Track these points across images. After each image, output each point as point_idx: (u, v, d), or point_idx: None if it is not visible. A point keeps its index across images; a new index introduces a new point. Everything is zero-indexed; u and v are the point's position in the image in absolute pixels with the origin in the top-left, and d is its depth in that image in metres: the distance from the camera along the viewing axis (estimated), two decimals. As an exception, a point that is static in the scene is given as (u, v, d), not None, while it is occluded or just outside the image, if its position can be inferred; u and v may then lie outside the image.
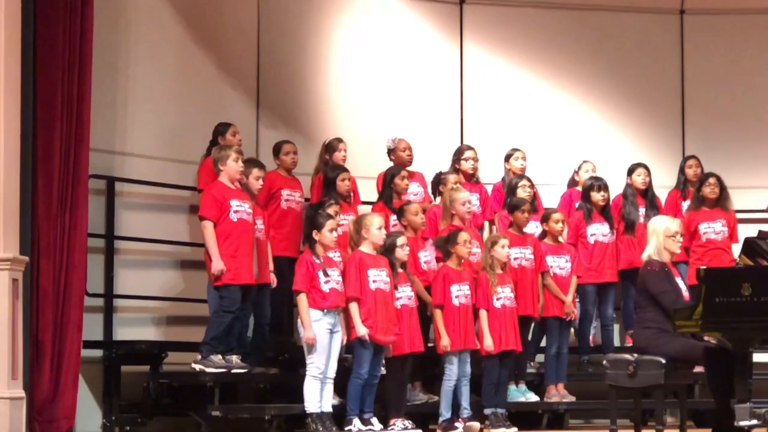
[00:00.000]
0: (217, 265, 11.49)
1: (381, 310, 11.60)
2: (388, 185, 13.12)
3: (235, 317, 11.71)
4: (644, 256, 11.45)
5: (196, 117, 12.98)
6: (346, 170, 12.91)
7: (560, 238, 13.46)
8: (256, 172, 12.05)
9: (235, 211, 11.64)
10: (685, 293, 11.27)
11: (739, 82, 15.34)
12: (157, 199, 12.79)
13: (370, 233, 11.65)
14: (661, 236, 11.31)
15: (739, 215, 14.13)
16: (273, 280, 12.26)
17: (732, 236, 13.80)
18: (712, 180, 13.93)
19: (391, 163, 13.51)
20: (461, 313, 12.23)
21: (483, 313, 12.38)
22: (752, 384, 10.97)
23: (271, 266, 12.26)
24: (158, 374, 11.93)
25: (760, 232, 12.43)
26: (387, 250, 11.84)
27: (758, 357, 11.32)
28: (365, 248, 11.67)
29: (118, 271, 12.42)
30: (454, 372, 12.15)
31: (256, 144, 13.38)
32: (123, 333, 12.37)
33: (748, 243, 11.57)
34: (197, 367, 11.58)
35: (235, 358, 11.76)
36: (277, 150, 12.98)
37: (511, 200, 13.36)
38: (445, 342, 12.10)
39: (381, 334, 11.57)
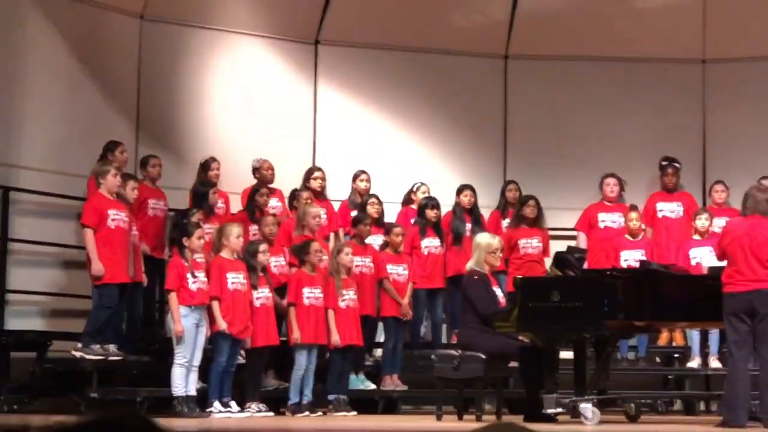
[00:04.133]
0: (96, 267, 11.50)
1: (238, 308, 11.59)
2: (251, 199, 13.18)
3: (112, 312, 11.68)
4: (468, 267, 11.58)
5: (83, 136, 12.82)
6: (214, 185, 12.98)
7: (399, 249, 13.41)
8: (132, 183, 12.15)
9: (113, 220, 11.65)
10: (502, 299, 11.42)
11: (556, 119, 15.46)
12: (47, 207, 12.60)
13: (229, 241, 11.65)
14: (483, 252, 11.48)
15: (552, 233, 14.21)
16: (144, 279, 12.32)
17: (545, 251, 13.87)
18: (531, 202, 14.00)
19: (256, 180, 13.50)
20: (311, 312, 12.19)
21: (330, 313, 12.33)
22: (559, 377, 11.12)
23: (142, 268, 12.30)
24: (44, 360, 11.78)
25: (569, 247, 12.67)
26: (250, 255, 11.85)
27: (564, 354, 11.41)
28: (225, 254, 11.66)
29: (11, 270, 12.23)
30: (303, 363, 12.11)
31: (135, 161, 13.16)
32: (13, 323, 12.18)
33: (559, 256, 11.79)
34: (78, 354, 11.56)
35: (112, 347, 11.74)
36: (144, 163, 13.00)
37: (355, 215, 13.41)
38: (296, 336, 12.07)
39: (237, 328, 11.58)
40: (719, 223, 12.85)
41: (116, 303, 11.69)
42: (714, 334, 13.25)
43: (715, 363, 13.28)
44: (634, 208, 14.07)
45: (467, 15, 15.46)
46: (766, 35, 14.99)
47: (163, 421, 9.05)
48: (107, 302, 11.61)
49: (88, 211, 11.63)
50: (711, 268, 10.97)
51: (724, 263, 10.23)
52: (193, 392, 11.30)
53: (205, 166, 13.20)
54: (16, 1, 12.53)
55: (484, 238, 11.76)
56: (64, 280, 12.65)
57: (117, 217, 11.65)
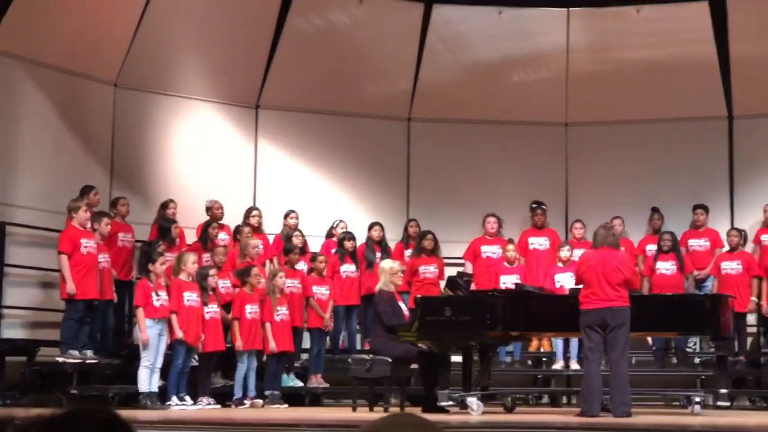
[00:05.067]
0: (70, 286, 11.45)
1: (192, 321, 11.62)
2: (204, 232, 13.21)
3: (84, 322, 11.65)
4: (378, 287, 11.59)
5: (66, 181, 12.71)
6: (174, 222, 13.03)
7: (322, 273, 13.48)
8: (106, 220, 12.13)
9: (85, 247, 11.62)
10: (406, 313, 11.41)
11: (448, 169, 15.52)
12: (36, 239, 12.50)
13: (186, 266, 11.70)
14: (387, 274, 11.48)
15: (445, 260, 14.25)
16: (115, 297, 12.32)
17: (440, 275, 13.87)
18: (429, 236, 14.02)
19: (208, 217, 13.51)
20: (252, 324, 12.21)
21: (268, 325, 12.35)
22: (450, 377, 11.18)
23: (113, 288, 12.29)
24: (32, 363, 11.68)
25: (458, 272, 12.71)
26: (202, 278, 11.85)
27: (455, 358, 11.47)
28: (183, 277, 11.69)
29: (6, 289, 12.15)
30: (244, 365, 12.13)
31: (109, 201, 13.11)
32: (7, 333, 12.10)
33: (451, 280, 11.80)
34: (60, 359, 11.51)
35: (89, 353, 11.68)
36: (114, 203, 12.99)
37: (285, 246, 13.46)
38: (239, 344, 12.08)
39: (192, 337, 11.60)
40: (578, 254, 12.94)
41: (85, 315, 11.62)
42: (574, 342, 13.36)
43: (574, 365, 13.34)
44: (510, 241, 14.20)
45: (378, 85, 15.55)
46: (615, 103, 15.22)
47: (130, 413, 9.06)
48: (73, 314, 11.54)
49: (64, 241, 11.58)
50: (571, 290, 11.09)
51: (580, 286, 10.36)
52: (155, 389, 11.30)
53: (164, 205, 13.21)
54: (12, 72, 12.46)
55: (387, 264, 11.77)
56: (49, 298, 12.54)
57: (88, 244, 11.62)
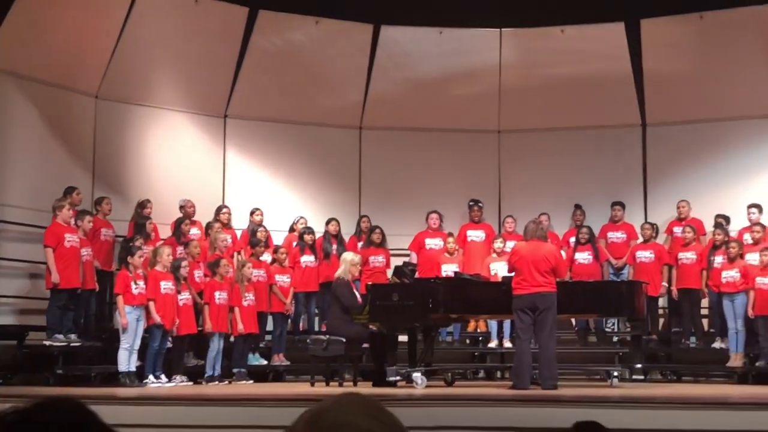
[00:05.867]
0: (54, 276, 11.33)
1: (168, 307, 11.52)
2: (178, 228, 13.08)
3: (68, 309, 11.51)
4: (336, 274, 11.66)
5: (52, 183, 12.50)
6: (149, 219, 12.85)
7: (284, 264, 13.41)
8: (88, 217, 12.00)
9: (68, 241, 11.49)
10: (359, 299, 11.46)
11: (396, 172, 15.50)
12: (26, 234, 12.31)
13: (162, 258, 11.61)
14: (348, 264, 11.58)
15: (392, 251, 14.27)
16: (96, 286, 12.17)
17: (387, 264, 13.92)
18: (378, 230, 14.07)
19: (181, 215, 13.39)
20: (221, 309, 12.15)
21: (237, 310, 12.31)
22: (397, 354, 11.20)
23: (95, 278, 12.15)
24: (22, 346, 11.52)
25: (404, 263, 12.73)
26: (176, 268, 11.77)
27: (401, 338, 11.46)
28: (159, 268, 11.59)
29: (-1, 280, 12.01)
30: (215, 346, 12.05)
31: (92, 201, 12.96)
32: (0, 319, 11.89)
33: (397, 268, 11.88)
34: (47, 342, 11.36)
35: (73, 336, 11.52)
36: (99, 202, 12.84)
37: (251, 239, 13.40)
38: (208, 327, 12.02)
39: (167, 322, 11.51)
40: (510, 245, 13.01)
41: (66, 303, 11.47)
42: (507, 323, 13.41)
43: (507, 344, 13.43)
44: (450, 234, 14.20)
45: (333, 97, 15.48)
46: (542, 113, 15.25)
47: (111, 390, 8.89)
48: (57, 302, 11.42)
49: (49, 235, 11.46)
50: (504, 277, 11.14)
51: (512, 274, 10.39)
52: (133, 369, 11.18)
53: (141, 204, 13.05)
54: (3, 86, 12.30)
55: (349, 255, 11.90)
56: (37, 287, 12.31)
57: (71, 239, 11.49)
